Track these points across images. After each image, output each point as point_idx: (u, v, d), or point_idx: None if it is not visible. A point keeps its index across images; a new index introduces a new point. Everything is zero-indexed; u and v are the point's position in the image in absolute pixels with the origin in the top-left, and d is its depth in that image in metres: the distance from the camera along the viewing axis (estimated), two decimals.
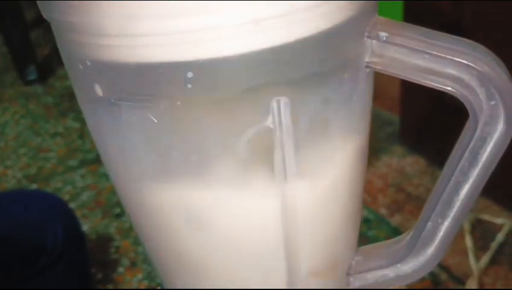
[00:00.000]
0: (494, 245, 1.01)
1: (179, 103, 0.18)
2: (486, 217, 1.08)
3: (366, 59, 0.21)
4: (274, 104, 0.19)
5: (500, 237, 1.03)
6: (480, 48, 0.20)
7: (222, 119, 0.19)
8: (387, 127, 1.40)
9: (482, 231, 1.06)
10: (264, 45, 0.17)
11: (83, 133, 1.54)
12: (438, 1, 1.08)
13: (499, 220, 1.07)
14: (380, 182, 1.23)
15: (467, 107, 0.20)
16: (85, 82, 0.20)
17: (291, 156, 0.20)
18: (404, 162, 1.29)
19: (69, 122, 1.65)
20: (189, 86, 0.18)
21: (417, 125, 1.30)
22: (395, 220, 1.13)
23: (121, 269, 1.05)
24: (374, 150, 1.28)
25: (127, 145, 0.20)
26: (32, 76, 1.93)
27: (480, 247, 1.02)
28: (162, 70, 0.18)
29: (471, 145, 0.21)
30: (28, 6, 1.87)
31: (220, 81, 0.18)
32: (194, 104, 0.19)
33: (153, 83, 0.18)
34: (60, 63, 0.21)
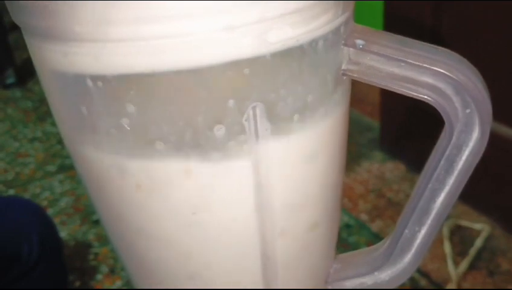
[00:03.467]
0: (472, 251, 1.02)
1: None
2: (464, 222, 1.09)
3: (343, 67, 0.21)
4: (250, 111, 0.18)
5: (478, 242, 1.04)
6: (456, 56, 0.20)
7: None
8: (367, 132, 1.41)
9: (460, 237, 1.07)
10: (237, 53, 0.17)
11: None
12: (418, 1, 1.09)
13: (477, 226, 1.08)
14: (361, 187, 1.24)
15: (443, 115, 0.20)
16: (57, 91, 0.20)
17: (268, 161, 0.20)
18: (384, 168, 1.30)
19: (48, 127, 1.63)
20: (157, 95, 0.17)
21: (397, 131, 1.32)
22: (376, 225, 1.13)
23: (99, 276, 1.04)
24: (354, 155, 1.29)
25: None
26: (11, 80, 1.90)
27: (459, 252, 1.03)
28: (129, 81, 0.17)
29: (447, 153, 0.21)
30: (6, 10, 1.84)
31: (191, 92, 0.18)
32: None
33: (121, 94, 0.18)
34: None
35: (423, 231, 0.24)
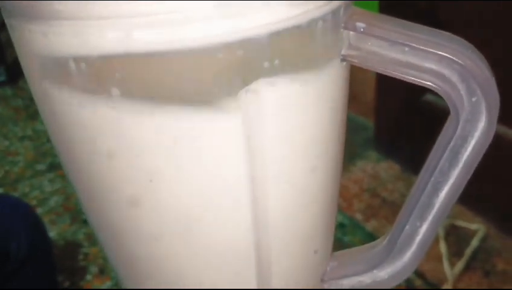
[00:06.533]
0: (468, 251, 1.02)
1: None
2: (460, 223, 1.08)
3: (343, 52, 0.20)
4: (243, 95, 0.17)
5: (474, 243, 1.04)
6: (461, 41, 0.19)
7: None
8: (362, 132, 1.41)
9: (456, 237, 1.06)
10: (230, 33, 0.16)
11: None
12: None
13: (473, 226, 1.07)
14: (355, 187, 1.23)
15: (448, 103, 0.19)
16: (37, 76, 0.19)
17: (261, 143, 0.19)
18: (379, 168, 1.30)
19: (38, 125, 1.61)
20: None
21: (391, 131, 1.31)
22: (371, 225, 1.13)
23: (89, 277, 1.02)
24: (349, 155, 1.28)
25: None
26: (2, 78, 1.89)
27: (455, 253, 1.02)
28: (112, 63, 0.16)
29: (451, 144, 0.20)
30: None
31: (180, 76, 0.16)
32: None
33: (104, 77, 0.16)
34: None
35: (424, 227, 0.23)
